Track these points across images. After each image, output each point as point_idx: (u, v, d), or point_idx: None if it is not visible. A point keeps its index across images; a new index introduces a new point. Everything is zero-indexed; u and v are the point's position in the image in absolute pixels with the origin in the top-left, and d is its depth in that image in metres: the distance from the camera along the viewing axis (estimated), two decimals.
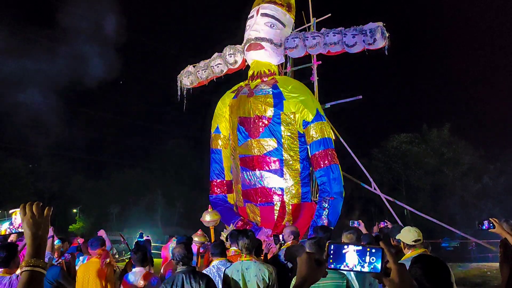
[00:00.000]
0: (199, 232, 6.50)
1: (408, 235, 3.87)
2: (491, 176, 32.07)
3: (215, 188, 9.17)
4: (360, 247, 1.36)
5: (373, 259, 1.34)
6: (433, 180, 33.04)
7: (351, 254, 1.36)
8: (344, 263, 1.36)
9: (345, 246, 1.38)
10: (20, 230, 2.41)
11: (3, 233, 2.51)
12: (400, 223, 10.04)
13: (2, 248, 3.27)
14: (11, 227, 2.47)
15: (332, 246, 1.39)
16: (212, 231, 7.40)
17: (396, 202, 10.77)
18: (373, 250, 1.35)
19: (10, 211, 2.55)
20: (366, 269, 1.35)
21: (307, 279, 1.40)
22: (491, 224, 3.72)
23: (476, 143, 32.77)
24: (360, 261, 1.35)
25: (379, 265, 1.34)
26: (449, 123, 33.97)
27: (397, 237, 4.12)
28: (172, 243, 6.24)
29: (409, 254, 3.83)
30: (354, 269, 1.36)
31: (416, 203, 29.40)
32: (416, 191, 33.50)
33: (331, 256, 1.38)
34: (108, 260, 4.53)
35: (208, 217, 7.58)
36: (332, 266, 1.38)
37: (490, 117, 42.18)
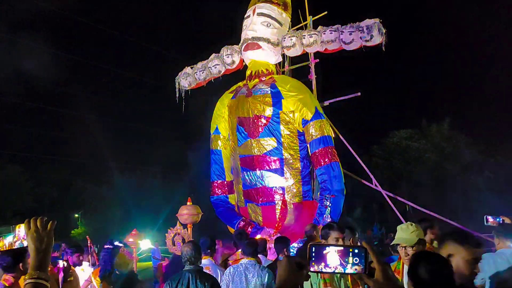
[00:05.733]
0: (134, 232, 6.13)
1: (410, 238, 3.17)
2: (492, 170, 32.06)
3: (216, 189, 9.16)
4: (341, 248, 1.31)
5: (356, 260, 1.28)
6: (434, 175, 33.00)
7: (332, 255, 1.30)
8: (325, 265, 1.31)
9: (326, 247, 1.32)
10: (24, 243, 2.50)
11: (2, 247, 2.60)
12: (402, 220, 10.03)
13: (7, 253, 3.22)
14: (15, 239, 2.58)
15: (313, 248, 1.33)
16: (190, 229, 7.08)
17: (398, 198, 10.74)
18: (356, 251, 1.29)
19: (14, 225, 2.66)
20: (349, 270, 1.29)
21: (287, 283, 1.36)
22: None
23: (476, 137, 32.79)
24: (342, 262, 1.29)
25: (362, 266, 1.28)
26: (449, 118, 33.97)
27: (398, 249, 3.29)
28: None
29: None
30: (336, 270, 1.30)
31: (417, 199, 29.23)
32: (417, 187, 33.44)
33: (313, 259, 1.32)
34: (64, 264, 4.33)
35: (185, 211, 6.92)
36: (313, 269, 1.32)
37: (489, 111, 42.14)
